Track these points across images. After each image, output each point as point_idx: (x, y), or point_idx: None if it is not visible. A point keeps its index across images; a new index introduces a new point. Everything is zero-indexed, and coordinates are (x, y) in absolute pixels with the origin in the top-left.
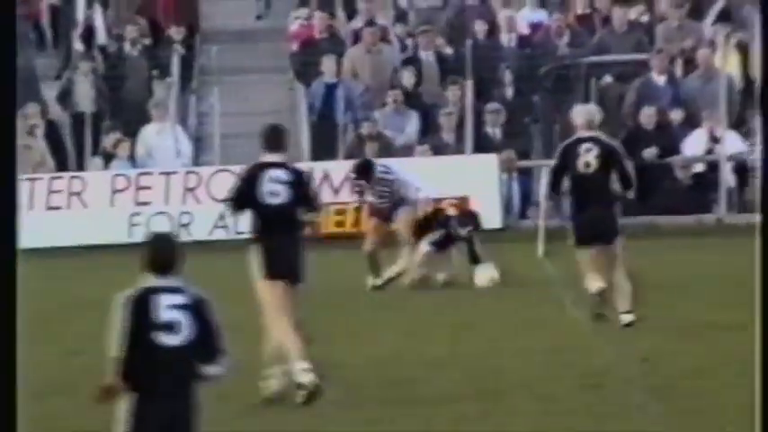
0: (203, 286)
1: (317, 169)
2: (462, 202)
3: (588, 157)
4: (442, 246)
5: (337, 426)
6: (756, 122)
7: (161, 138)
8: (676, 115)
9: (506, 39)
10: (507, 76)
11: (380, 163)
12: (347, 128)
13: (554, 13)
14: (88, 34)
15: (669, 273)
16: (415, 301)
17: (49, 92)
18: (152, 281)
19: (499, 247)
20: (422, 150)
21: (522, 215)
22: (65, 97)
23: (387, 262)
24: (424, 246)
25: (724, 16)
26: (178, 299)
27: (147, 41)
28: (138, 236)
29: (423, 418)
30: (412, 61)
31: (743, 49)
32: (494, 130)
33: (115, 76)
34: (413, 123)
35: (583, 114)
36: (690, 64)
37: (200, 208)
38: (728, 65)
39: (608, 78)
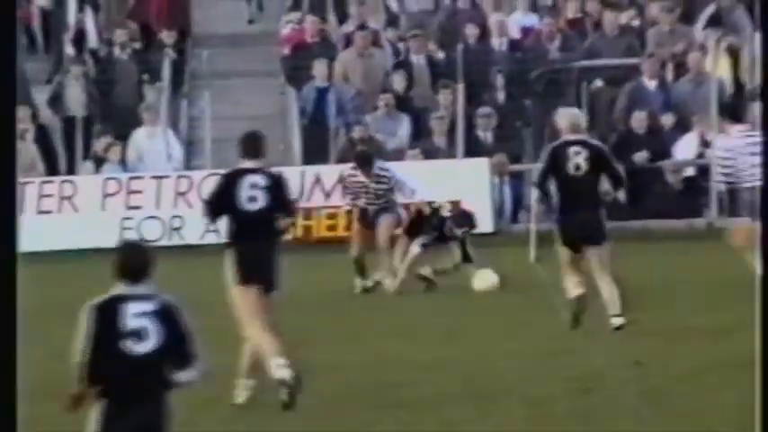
0: (194, 290)
1: (308, 173)
2: (457, 204)
3: (578, 160)
4: (433, 246)
5: (326, 428)
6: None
7: (152, 142)
8: (667, 119)
9: (498, 43)
10: (499, 80)
11: (379, 162)
12: (339, 132)
13: (545, 17)
14: (79, 38)
15: (660, 276)
16: (407, 305)
17: (40, 95)
18: (121, 289)
19: (491, 251)
20: (413, 154)
21: (513, 219)
22: (56, 101)
23: (373, 266)
24: (415, 247)
25: (715, 20)
26: (146, 306)
27: (138, 45)
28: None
29: (413, 421)
30: (403, 65)
31: (733, 53)
32: (485, 134)
33: (106, 80)
34: (404, 127)
35: (567, 117)
36: (681, 68)
37: (192, 212)
38: (719, 69)
39: (599, 82)
